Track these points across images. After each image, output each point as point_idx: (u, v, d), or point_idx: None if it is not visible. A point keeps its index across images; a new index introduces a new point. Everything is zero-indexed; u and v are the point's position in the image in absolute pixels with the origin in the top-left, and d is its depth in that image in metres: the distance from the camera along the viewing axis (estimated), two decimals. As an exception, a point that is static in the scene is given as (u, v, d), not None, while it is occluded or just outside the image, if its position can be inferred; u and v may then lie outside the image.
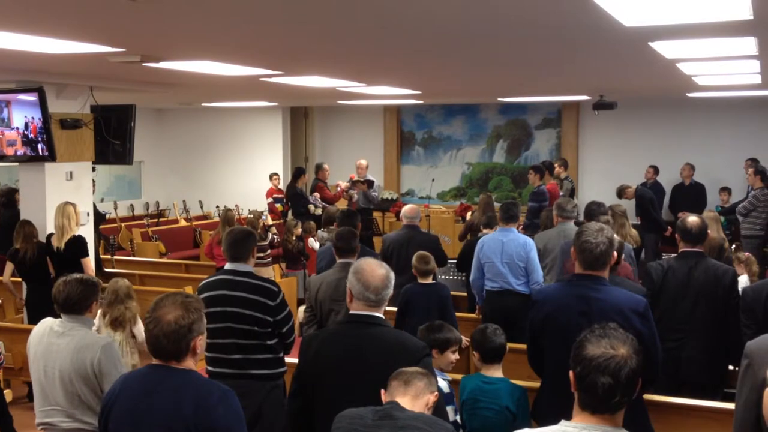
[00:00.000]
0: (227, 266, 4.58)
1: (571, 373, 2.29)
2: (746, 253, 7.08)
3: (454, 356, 4.30)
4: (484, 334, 4.25)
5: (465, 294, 7.93)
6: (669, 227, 11.30)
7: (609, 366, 2.19)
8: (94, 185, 10.75)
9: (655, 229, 11.15)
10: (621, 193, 11.16)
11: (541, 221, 8.00)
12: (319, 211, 11.19)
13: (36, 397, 3.95)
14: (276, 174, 13.53)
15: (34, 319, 6.83)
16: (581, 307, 3.61)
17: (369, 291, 3.15)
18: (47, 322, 3.99)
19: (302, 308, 6.44)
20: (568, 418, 2.29)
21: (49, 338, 3.89)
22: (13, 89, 7.41)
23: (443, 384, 4.06)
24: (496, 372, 4.20)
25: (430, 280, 5.90)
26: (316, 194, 11.65)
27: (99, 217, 10.78)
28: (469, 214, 11.83)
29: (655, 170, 12.66)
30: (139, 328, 5.56)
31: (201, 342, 2.81)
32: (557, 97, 12.99)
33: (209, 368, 4.53)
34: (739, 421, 2.99)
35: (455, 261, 9.52)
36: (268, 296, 4.41)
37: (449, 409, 3.86)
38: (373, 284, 3.16)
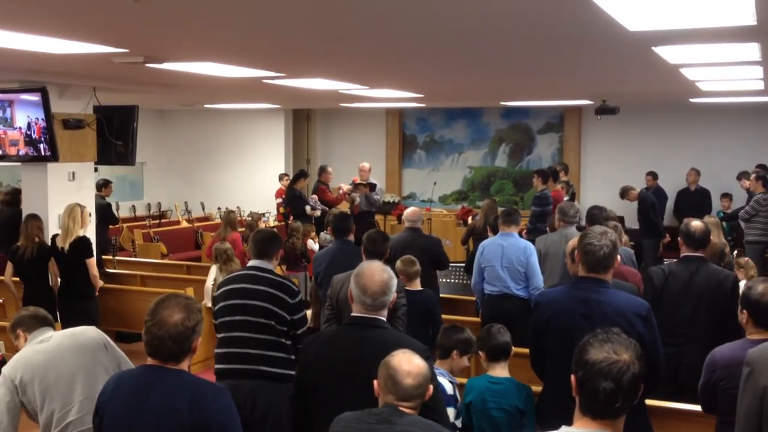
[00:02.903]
0: (251, 263, 4.64)
1: (572, 377, 2.27)
2: (745, 258, 7.07)
3: (465, 362, 4.34)
4: (490, 332, 4.30)
5: (467, 298, 7.93)
6: (667, 234, 11.33)
7: (611, 371, 2.18)
8: (110, 187, 10.82)
9: (654, 235, 11.15)
10: (624, 194, 11.17)
11: (549, 225, 8.01)
12: (316, 213, 11.17)
13: (52, 408, 3.78)
14: (286, 175, 13.53)
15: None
16: (583, 309, 3.62)
17: (366, 296, 3.17)
18: (27, 352, 3.87)
19: (308, 312, 6.43)
20: (571, 421, 2.28)
21: (38, 352, 3.81)
22: (16, 89, 7.42)
23: (447, 386, 4.06)
24: (502, 372, 4.21)
25: (417, 286, 5.73)
26: (314, 197, 11.64)
27: (112, 220, 10.78)
28: (470, 218, 11.85)
29: (654, 176, 12.64)
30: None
31: (199, 343, 2.83)
32: (560, 102, 12.99)
33: (219, 366, 4.51)
34: (741, 429, 2.98)
35: (459, 264, 9.54)
36: (288, 293, 4.46)
37: (450, 411, 3.86)
38: (370, 289, 3.17)
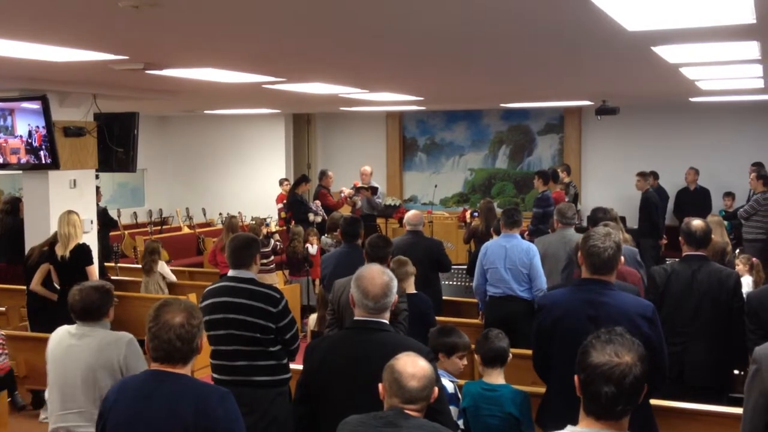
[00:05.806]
0: (230, 273, 4.56)
1: (576, 378, 2.28)
2: (755, 259, 7.04)
3: (462, 362, 4.30)
4: (487, 336, 4.27)
5: (469, 300, 7.92)
6: (665, 236, 11.33)
7: (613, 374, 2.18)
8: (99, 193, 10.81)
9: (654, 235, 11.17)
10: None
11: (551, 227, 8.01)
12: (318, 219, 11.16)
13: (53, 402, 3.95)
14: (287, 179, 13.54)
15: (32, 324, 6.90)
16: (589, 311, 3.60)
17: (368, 299, 3.18)
18: (63, 328, 4.05)
19: (313, 316, 6.42)
20: (575, 424, 2.28)
21: (69, 341, 3.95)
22: (17, 97, 7.42)
23: (449, 385, 4.06)
24: (498, 378, 4.18)
25: (411, 288, 5.55)
26: (317, 202, 11.64)
27: (111, 224, 10.79)
28: (467, 215, 11.87)
29: (655, 176, 12.65)
30: (163, 266, 8.76)
31: (203, 341, 2.89)
32: (559, 103, 12.99)
33: (215, 375, 4.52)
34: (747, 427, 2.97)
35: (461, 266, 9.53)
36: (269, 303, 4.39)
37: (452, 409, 3.85)
38: (372, 292, 3.17)
